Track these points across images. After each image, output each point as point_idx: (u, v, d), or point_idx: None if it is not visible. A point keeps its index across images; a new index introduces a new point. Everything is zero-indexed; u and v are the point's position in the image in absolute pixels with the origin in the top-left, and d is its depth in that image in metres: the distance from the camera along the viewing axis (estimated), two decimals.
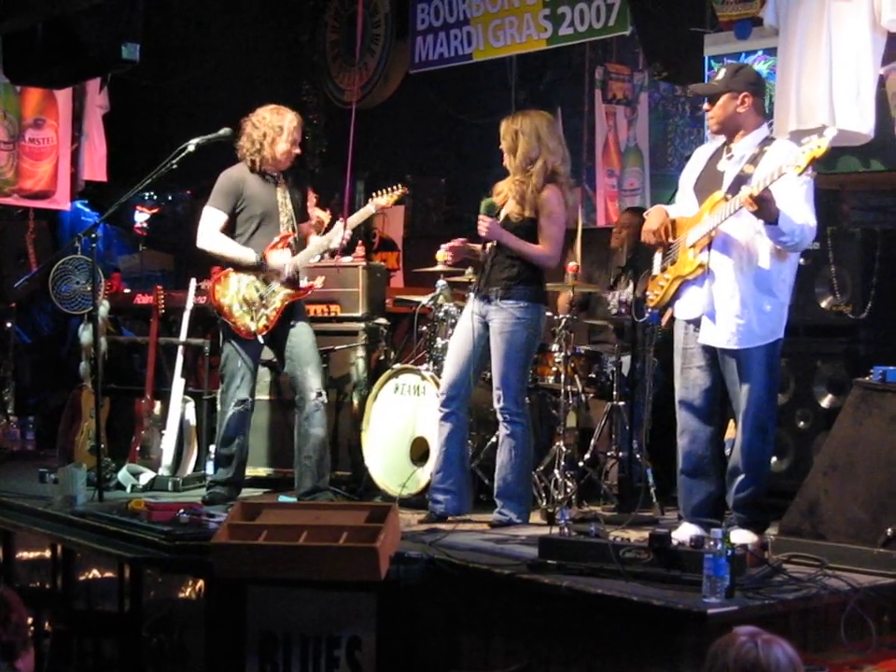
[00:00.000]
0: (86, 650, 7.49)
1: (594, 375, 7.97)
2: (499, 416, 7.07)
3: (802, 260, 7.04)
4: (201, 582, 7.01)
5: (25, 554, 8.60)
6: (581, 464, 7.64)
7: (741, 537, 5.82)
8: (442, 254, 7.85)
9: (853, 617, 5.14)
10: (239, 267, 7.62)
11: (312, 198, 8.44)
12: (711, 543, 4.95)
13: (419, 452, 7.81)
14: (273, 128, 7.65)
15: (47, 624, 7.79)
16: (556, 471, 7.37)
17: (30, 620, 3.78)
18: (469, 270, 7.65)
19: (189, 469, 8.62)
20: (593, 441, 7.85)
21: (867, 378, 5.94)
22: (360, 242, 8.96)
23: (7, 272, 11.73)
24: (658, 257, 6.33)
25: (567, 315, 7.60)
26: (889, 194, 8.82)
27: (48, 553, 8.29)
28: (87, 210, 13.23)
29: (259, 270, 7.60)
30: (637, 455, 7.52)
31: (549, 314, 7.44)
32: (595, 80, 11.46)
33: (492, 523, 6.97)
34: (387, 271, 9.91)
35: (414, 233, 12.38)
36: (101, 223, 8.44)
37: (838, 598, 5.18)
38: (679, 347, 6.29)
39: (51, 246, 12.20)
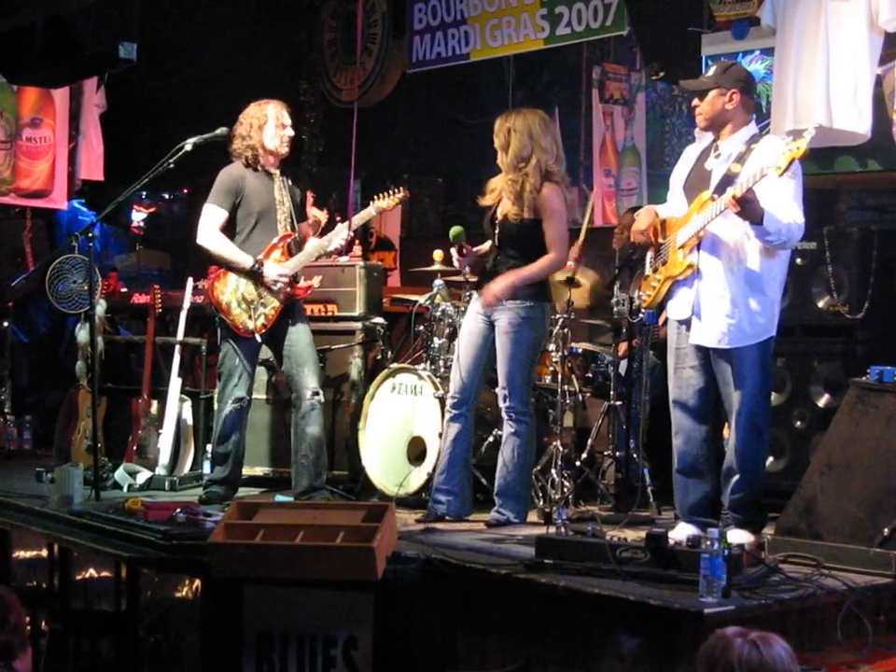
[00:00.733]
0: (82, 649, 7.48)
1: (591, 375, 7.98)
2: (504, 415, 7.07)
3: (799, 260, 7.06)
4: (197, 582, 7.01)
5: (22, 554, 8.60)
6: (578, 463, 7.64)
7: (738, 536, 5.82)
8: (440, 253, 7.89)
9: (850, 617, 5.14)
10: (236, 269, 7.62)
11: (309, 197, 8.44)
12: (708, 543, 4.94)
13: (416, 451, 7.81)
14: (258, 116, 7.66)
15: (43, 624, 7.79)
16: (553, 471, 7.37)
17: (27, 620, 3.78)
18: (467, 269, 7.66)
19: (186, 469, 8.62)
20: (590, 441, 7.85)
21: (864, 378, 5.94)
22: (358, 241, 8.96)
23: (4, 271, 11.73)
24: (650, 256, 6.35)
25: (565, 315, 7.59)
26: (886, 194, 8.82)
27: (44, 553, 8.30)
28: (84, 209, 13.22)
29: (255, 276, 7.58)
30: (634, 455, 7.52)
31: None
32: (593, 80, 11.47)
33: (489, 522, 6.97)
34: (384, 270, 9.91)
35: (412, 233, 12.41)
36: (98, 222, 8.41)
37: (835, 598, 5.19)
38: (672, 347, 6.30)
39: (48, 246, 12.19)
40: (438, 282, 8.04)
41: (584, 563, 5.39)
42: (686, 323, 6.16)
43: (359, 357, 8.46)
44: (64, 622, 7.59)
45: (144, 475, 8.35)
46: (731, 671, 3.24)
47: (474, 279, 7.46)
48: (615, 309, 8.19)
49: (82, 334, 8.94)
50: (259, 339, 7.65)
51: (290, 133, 7.76)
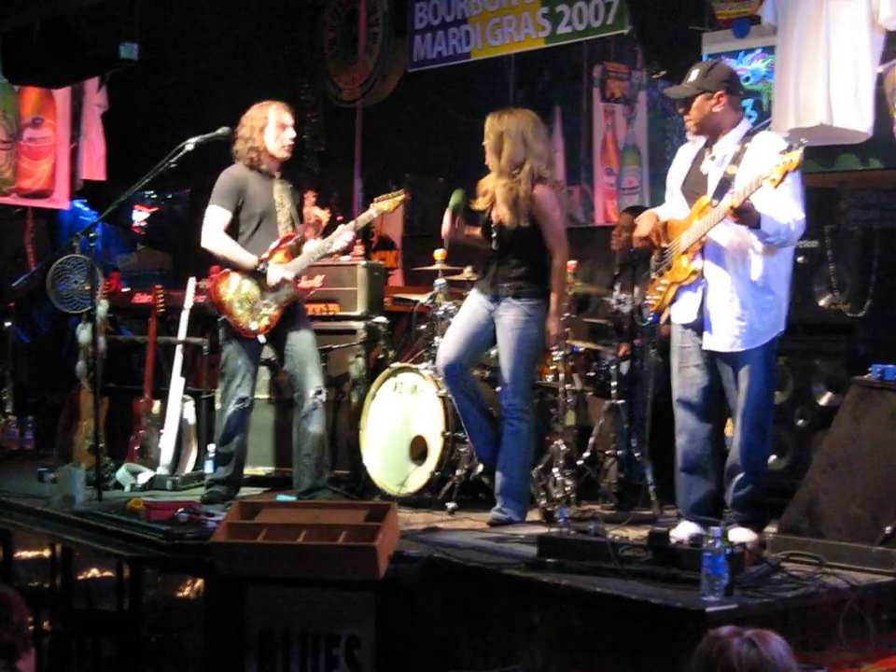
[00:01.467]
0: (85, 649, 7.49)
1: (592, 374, 7.97)
2: (505, 414, 7.08)
3: (800, 259, 7.05)
4: (200, 582, 7.02)
5: (24, 554, 8.60)
6: (579, 462, 7.63)
7: (740, 535, 5.83)
8: (442, 252, 7.89)
9: (852, 615, 5.14)
10: (239, 269, 7.62)
11: (310, 197, 8.44)
12: (710, 542, 4.94)
13: (418, 450, 7.80)
14: (260, 119, 7.65)
15: (46, 624, 7.79)
16: (555, 470, 7.36)
17: (29, 619, 3.78)
18: (469, 268, 7.64)
19: (188, 469, 8.61)
20: (592, 440, 7.84)
21: (866, 376, 5.93)
22: (359, 241, 8.95)
23: (6, 271, 11.73)
24: (654, 260, 6.35)
25: (567, 314, 7.59)
26: (887, 192, 8.82)
27: (47, 553, 8.30)
28: (85, 209, 13.24)
29: (258, 276, 7.58)
30: (636, 454, 7.52)
31: None
32: (594, 79, 11.46)
33: (491, 521, 6.97)
34: (386, 269, 9.91)
35: (413, 232, 12.39)
36: (99, 222, 8.42)
37: (837, 596, 5.18)
38: (675, 347, 6.30)
39: (50, 246, 12.20)
40: (439, 281, 8.03)
41: (586, 562, 5.39)
42: (691, 326, 6.16)
43: (361, 357, 8.45)
44: (67, 622, 7.60)
45: (146, 475, 8.35)
46: (730, 671, 3.23)
47: (473, 276, 7.43)
48: (616, 308, 8.19)
49: (84, 334, 8.94)
50: (261, 339, 7.65)
51: (292, 134, 7.74)
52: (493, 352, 7.50)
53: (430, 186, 12.62)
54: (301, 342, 7.64)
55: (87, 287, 8.59)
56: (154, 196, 15.13)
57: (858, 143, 7.60)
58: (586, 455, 7.71)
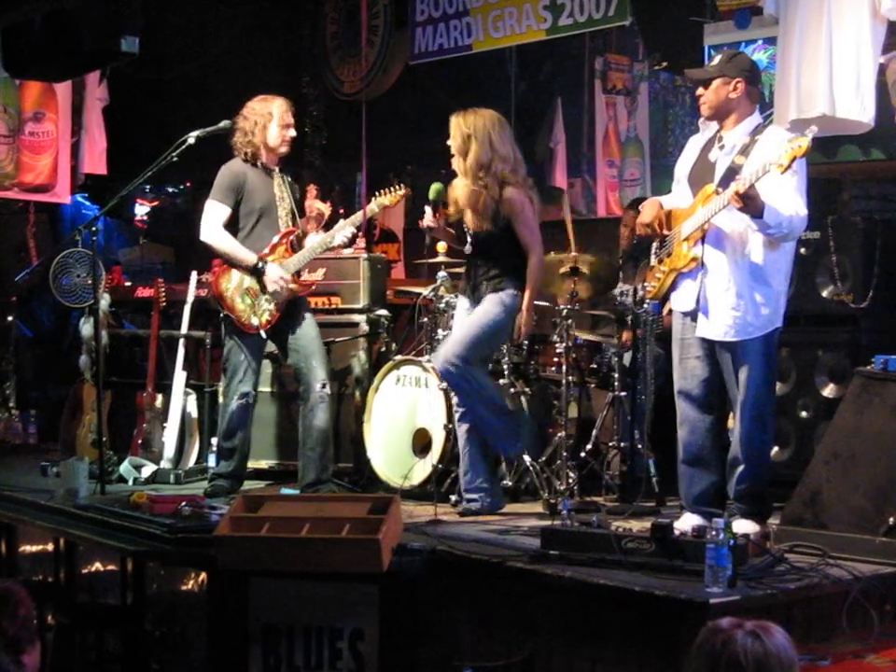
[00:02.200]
0: (89, 643, 7.50)
1: (595, 365, 7.97)
2: (440, 368, 7.09)
3: (802, 250, 7.05)
4: (203, 575, 7.02)
5: (28, 548, 8.62)
6: (582, 454, 7.63)
7: (743, 526, 5.83)
8: (443, 246, 7.89)
9: (855, 606, 5.15)
10: (238, 266, 7.61)
11: (312, 190, 8.43)
12: (713, 533, 4.94)
13: (421, 443, 7.81)
14: (263, 115, 7.65)
15: (50, 618, 7.80)
16: (558, 462, 7.36)
17: (34, 613, 3.79)
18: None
19: (191, 462, 8.62)
20: (594, 432, 7.84)
21: (869, 367, 5.93)
22: (361, 234, 8.95)
23: (8, 265, 11.75)
24: (655, 247, 6.35)
25: (568, 306, 7.58)
26: (889, 183, 8.82)
27: (50, 547, 8.31)
28: (87, 203, 13.24)
29: (258, 274, 7.57)
30: (639, 446, 7.52)
31: (548, 304, 7.45)
32: (595, 71, 11.48)
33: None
34: (388, 262, 9.91)
35: (415, 225, 12.37)
36: (101, 216, 8.43)
37: (840, 588, 5.18)
38: (676, 338, 6.30)
39: (52, 240, 12.22)
40: (441, 273, 8.03)
41: (589, 553, 5.39)
42: (690, 315, 6.17)
43: (363, 350, 8.45)
44: (70, 615, 7.59)
45: (149, 469, 8.36)
46: (736, 664, 3.22)
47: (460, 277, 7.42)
48: (619, 300, 8.20)
49: (86, 328, 8.95)
50: (263, 335, 7.65)
51: (293, 133, 7.74)
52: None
53: (432, 178, 12.61)
54: (305, 335, 7.64)
55: (89, 281, 8.60)
56: (156, 190, 15.13)
57: (860, 133, 7.59)
58: (589, 446, 7.71)
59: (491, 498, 7.11)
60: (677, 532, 5.38)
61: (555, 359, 7.77)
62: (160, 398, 8.75)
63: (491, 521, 6.81)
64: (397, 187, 7.96)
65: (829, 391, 7.32)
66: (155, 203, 15.35)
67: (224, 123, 7.75)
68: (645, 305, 7.43)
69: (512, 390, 7.69)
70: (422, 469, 7.68)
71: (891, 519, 5.54)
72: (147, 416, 8.68)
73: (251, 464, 8.10)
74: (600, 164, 11.48)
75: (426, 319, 8.12)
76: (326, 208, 8.11)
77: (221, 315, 7.71)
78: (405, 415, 7.89)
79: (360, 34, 11.22)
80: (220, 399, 7.91)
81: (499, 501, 7.19)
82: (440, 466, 7.57)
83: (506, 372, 7.69)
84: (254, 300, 7.59)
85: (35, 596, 3.87)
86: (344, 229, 7.75)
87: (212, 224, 7.62)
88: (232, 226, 7.64)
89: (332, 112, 12.07)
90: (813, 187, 6.08)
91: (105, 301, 8.95)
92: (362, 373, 8.39)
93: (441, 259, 8.04)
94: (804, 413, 7.40)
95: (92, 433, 8.56)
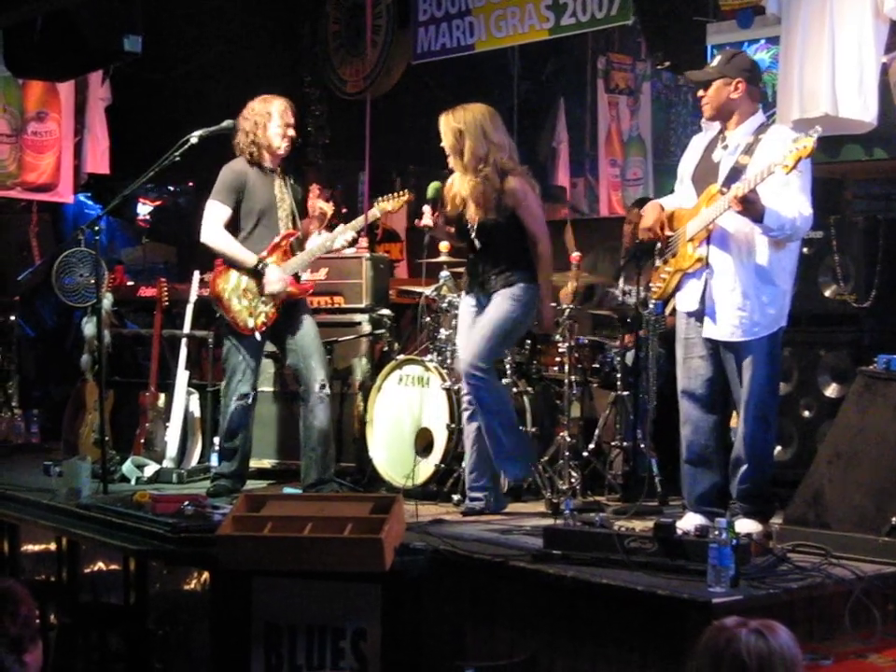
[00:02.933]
0: (92, 642, 7.50)
1: (597, 365, 7.97)
2: (464, 379, 7.04)
3: (805, 249, 7.05)
4: (206, 574, 7.03)
5: (30, 547, 8.62)
6: (585, 454, 7.64)
7: (746, 526, 5.82)
8: (445, 246, 7.88)
9: (858, 606, 5.14)
10: (238, 267, 7.61)
11: (315, 189, 8.43)
12: (716, 533, 4.95)
13: (423, 443, 7.81)
14: (262, 115, 7.64)
15: (52, 617, 7.80)
16: (561, 462, 7.36)
17: (37, 613, 3.79)
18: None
19: (194, 461, 8.62)
20: (597, 432, 7.84)
21: (871, 367, 5.93)
22: (364, 234, 8.95)
23: (11, 265, 11.75)
24: (659, 248, 6.35)
25: (571, 306, 7.59)
26: (892, 182, 8.83)
27: (53, 546, 8.32)
28: (90, 203, 13.25)
29: (257, 275, 7.57)
30: (642, 445, 7.52)
31: (553, 304, 7.44)
32: (598, 70, 11.49)
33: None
34: (391, 262, 9.90)
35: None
36: (104, 216, 8.43)
37: (843, 587, 5.18)
38: (680, 337, 6.30)
39: (54, 239, 12.22)
40: (444, 273, 8.03)
41: (592, 553, 5.39)
42: (695, 315, 6.16)
43: (366, 349, 8.45)
44: (73, 615, 7.60)
45: (151, 468, 8.36)
46: (740, 663, 3.22)
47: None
48: (620, 299, 8.19)
49: (89, 328, 8.95)
50: (258, 337, 7.64)
51: (292, 133, 7.73)
52: None
53: (434, 178, 12.61)
54: (304, 336, 7.64)
55: (91, 281, 8.60)
56: (158, 189, 15.13)
57: (862, 133, 7.59)
58: (591, 446, 7.71)
59: (495, 498, 7.11)
60: (679, 532, 5.37)
61: (558, 359, 7.77)
62: (162, 397, 8.75)
63: (493, 520, 6.81)
64: (400, 193, 7.95)
65: (831, 391, 7.31)
66: (158, 203, 15.36)
67: (226, 123, 7.75)
68: (650, 305, 7.42)
69: (515, 390, 7.68)
70: (424, 469, 7.68)
71: (894, 518, 5.54)
72: (150, 416, 8.68)
73: (253, 463, 8.11)
74: (603, 164, 11.48)
75: (428, 319, 8.11)
76: (329, 208, 8.12)
77: (219, 315, 7.72)
78: (407, 415, 7.89)
79: (362, 33, 11.23)
80: (221, 400, 7.91)
81: (503, 501, 7.19)
82: (442, 465, 7.57)
83: (508, 372, 7.68)
84: (251, 301, 7.59)
85: (37, 596, 3.88)
86: (345, 233, 7.76)
87: (212, 225, 7.62)
88: (233, 227, 7.64)
89: (335, 112, 12.07)
90: (815, 186, 6.07)
91: (107, 300, 8.96)
92: (364, 373, 8.40)
93: (443, 258, 8.03)
94: (806, 413, 7.39)
95: (95, 432, 8.57)
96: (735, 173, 5.95)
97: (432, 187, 7.29)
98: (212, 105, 9.63)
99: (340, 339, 8.37)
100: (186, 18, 11.78)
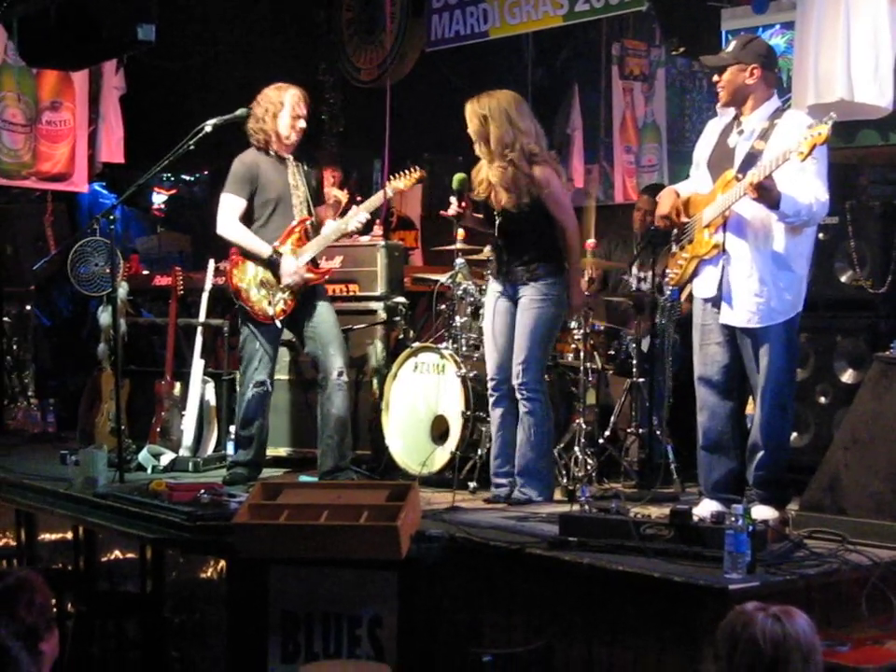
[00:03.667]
0: (108, 630, 7.52)
1: (613, 352, 7.97)
2: (518, 393, 7.03)
3: (821, 235, 7.03)
4: (222, 563, 7.04)
5: (47, 536, 8.64)
6: (601, 441, 7.64)
7: (762, 512, 5.82)
8: (462, 232, 7.88)
9: (875, 592, 5.14)
10: (253, 258, 7.61)
11: (330, 177, 8.41)
12: (732, 519, 4.95)
13: (439, 430, 7.81)
14: (275, 103, 7.62)
15: (69, 606, 7.82)
16: (576, 449, 7.37)
17: (52, 601, 3.79)
18: (488, 248, 7.63)
19: (210, 450, 8.63)
20: (613, 418, 7.84)
21: (887, 352, 5.92)
22: (378, 221, 8.94)
23: (26, 254, 11.74)
24: (675, 234, 6.33)
25: (586, 293, 7.57)
26: None
27: (69, 535, 8.34)
28: (104, 192, 13.26)
29: (272, 266, 7.56)
30: (658, 432, 7.51)
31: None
32: (612, 56, 11.44)
33: (511, 500, 6.96)
34: (406, 249, 9.90)
35: (432, 212, 12.37)
36: (119, 205, 8.41)
37: (860, 573, 5.18)
38: (696, 323, 6.29)
39: (70, 229, 12.21)
40: (459, 260, 8.02)
41: (608, 540, 5.39)
42: (712, 301, 6.15)
43: (381, 337, 8.44)
44: (90, 603, 7.62)
45: (168, 457, 8.37)
46: (754, 646, 3.23)
47: (492, 255, 7.38)
48: (635, 286, 8.18)
49: (104, 317, 8.96)
50: (278, 324, 7.64)
51: (303, 124, 7.70)
52: None
53: (449, 165, 12.61)
54: (323, 323, 7.63)
55: (107, 270, 8.59)
56: (173, 178, 15.14)
57: (878, 118, 7.56)
58: (607, 433, 7.72)
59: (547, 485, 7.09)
60: (695, 518, 5.37)
61: (573, 346, 7.76)
62: (178, 386, 8.75)
63: (509, 507, 6.81)
64: (412, 170, 7.92)
65: (847, 377, 7.29)
66: (172, 192, 15.37)
67: (241, 111, 7.73)
68: (666, 292, 7.40)
69: None
70: (440, 457, 7.68)
71: None
72: (166, 404, 8.69)
73: (270, 451, 8.11)
74: (618, 150, 11.44)
75: (443, 306, 8.12)
76: (343, 196, 8.10)
77: (237, 303, 7.72)
78: (423, 403, 7.89)
79: (376, 20, 11.21)
80: (237, 388, 7.91)
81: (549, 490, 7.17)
82: (458, 453, 7.56)
83: None
84: (269, 290, 7.58)
85: (54, 585, 3.88)
86: (359, 214, 7.72)
87: (227, 217, 7.61)
88: (248, 217, 7.64)
89: (349, 100, 12.06)
90: (831, 172, 6.05)
91: (122, 289, 8.96)
92: (380, 361, 8.39)
93: (458, 245, 8.02)
94: (822, 399, 7.38)
95: (111, 421, 8.58)
96: (751, 158, 5.93)
97: (457, 178, 7.26)
98: (226, 94, 9.63)
99: (355, 326, 8.36)
100: (201, 7, 11.78)
